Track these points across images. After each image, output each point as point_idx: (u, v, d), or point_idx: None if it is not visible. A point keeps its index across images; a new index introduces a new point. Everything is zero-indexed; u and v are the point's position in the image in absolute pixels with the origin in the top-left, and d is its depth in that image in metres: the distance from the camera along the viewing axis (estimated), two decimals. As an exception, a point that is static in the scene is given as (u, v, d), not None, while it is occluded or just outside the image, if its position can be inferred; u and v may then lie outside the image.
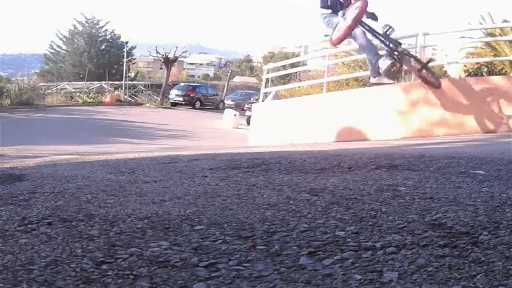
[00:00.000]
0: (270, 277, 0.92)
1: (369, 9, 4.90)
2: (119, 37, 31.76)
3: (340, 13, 4.96)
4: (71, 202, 1.56)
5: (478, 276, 0.86)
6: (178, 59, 27.01)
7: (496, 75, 10.66)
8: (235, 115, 15.66)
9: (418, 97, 5.96)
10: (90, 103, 19.97)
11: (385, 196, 1.57)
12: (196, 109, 23.24)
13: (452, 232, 1.14)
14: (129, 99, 22.76)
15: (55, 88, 22.12)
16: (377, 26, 5.16)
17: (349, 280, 0.89)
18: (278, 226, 1.26)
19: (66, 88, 22.60)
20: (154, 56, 26.33)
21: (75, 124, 12.18)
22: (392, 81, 5.13)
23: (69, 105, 18.87)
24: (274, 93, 11.30)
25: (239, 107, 21.63)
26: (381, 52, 5.05)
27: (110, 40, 33.31)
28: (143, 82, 28.24)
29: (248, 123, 10.93)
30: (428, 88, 5.92)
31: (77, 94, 21.58)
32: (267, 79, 9.36)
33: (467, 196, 1.51)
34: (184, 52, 26.44)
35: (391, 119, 6.02)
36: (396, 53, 5.08)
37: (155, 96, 24.72)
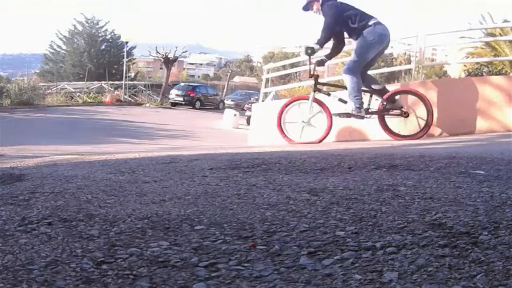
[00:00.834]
0: (270, 277, 0.92)
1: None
2: (119, 37, 31.79)
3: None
4: (71, 202, 1.56)
5: (478, 276, 0.86)
6: (178, 59, 27.04)
7: (496, 75, 10.66)
8: (235, 115, 15.67)
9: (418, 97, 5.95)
10: (90, 103, 19.98)
11: (385, 196, 1.57)
12: (196, 109, 23.26)
13: (452, 232, 1.14)
14: (129, 99, 22.77)
15: (55, 88, 22.13)
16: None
17: (349, 280, 0.89)
18: (278, 226, 1.26)
19: (66, 88, 22.61)
20: (154, 56, 26.34)
21: (75, 124, 12.18)
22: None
23: (69, 105, 18.89)
24: (274, 93, 11.30)
25: (239, 107, 21.65)
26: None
27: (110, 40, 33.34)
28: (143, 82, 28.27)
29: (248, 123, 10.94)
30: (428, 88, 5.92)
31: (77, 94, 21.59)
32: (267, 79, 9.36)
33: (467, 196, 1.51)
34: (184, 52, 26.46)
35: (391, 119, 6.01)
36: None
37: (155, 96, 24.74)
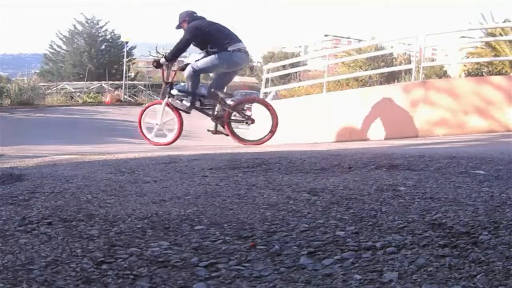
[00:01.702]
0: (270, 277, 0.92)
1: None
2: (119, 37, 31.77)
3: None
4: (71, 202, 1.56)
5: (478, 276, 0.86)
6: (178, 59, 26.99)
7: (496, 75, 10.66)
8: (235, 115, 15.64)
9: (418, 97, 5.97)
10: (90, 103, 19.98)
11: (385, 196, 1.57)
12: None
13: (452, 232, 1.14)
14: (129, 99, 22.77)
15: (55, 88, 22.13)
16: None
17: (349, 280, 0.89)
18: (278, 226, 1.26)
19: (66, 88, 22.61)
20: (154, 56, 26.31)
21: (75, 124, 12.18)
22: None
23: (69, 105, 18.89)
24: (274, 93, 11.30)
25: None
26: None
27: (110, 40, 33.33)
28: (143, 82, 28.26)
29: (248, 123, 10.91)
30: (427, 88, 5.93)
31: (77, 94, 21.60)
32: (267, 79, 9.37)
33: (467, 196, 1.51)
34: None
35: (391, 119, 6.02)
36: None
37: (155, 96, 24.75)
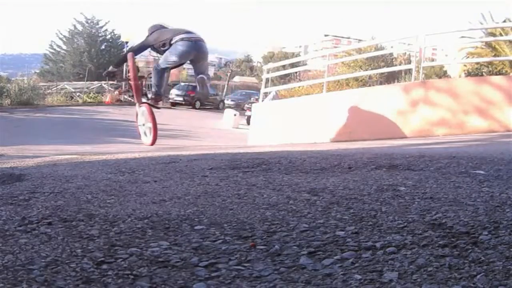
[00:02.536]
0: (270, 277, 0.92)
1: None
2: (119, 37, 31.75)
3: None
4: (71, 202, 1.56)
5: (478, 276, 0.86)
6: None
7: (496, 75, 10.66)
8: (235, 115, 15.66)
9: (418, 97, 5.97)
10: (90, 103, 19.97)
11: (385, 196, 1.57)
12: (196, 109, 23.25)
13: (452, 232, 1.14)
14: (129, 99, 22.72)
15: (55, 88, 22.12)
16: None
17: (349, 280, 0.89)
18: (278, 226, 1.26)
19: (66, 88, 22.60)
20: (154, 56, 26.27)
21: (75, 124, 12.17)
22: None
23: (69, 105, 18.87)
24: (274, 93, 11.30)
25: (239, 107, 21.63)
26: None
27: (110, 40, 33.30)
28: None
29: (248, 123, 10.93)
30: (427, 88, 5.93)
31: (77, 94, 21.58)
32: (267, 79, 9.36)
33: (467, 196, 1.51)
34: (184, 52, 26.37)
35: (391, 119, 6.02)
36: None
37: (155, 96, 24.65)
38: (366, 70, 20.64)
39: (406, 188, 1.69)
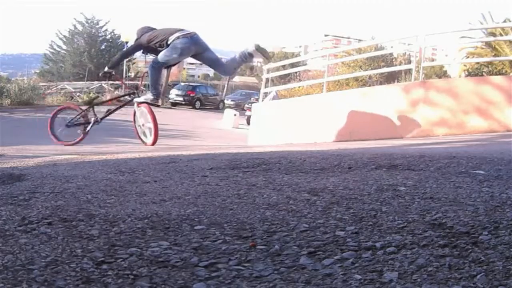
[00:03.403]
0: (270, 277, 0.92)
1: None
2: (119, 37, 31.76)
3: None
4: (71, 202, 1.56)
5: (478, 276, 0.86)
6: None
7: (496, 75, 10.66)
8: (235, 115, 15.67)
9: (418, 97, 5.97)
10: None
11: (385, 196, 1.57)
12: (196, 109, 23.26)
13: (452, 232, 1.14)
14: (129, 99, 22.75)
15: (55, 88, 22.12)
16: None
17: (349, 280, 0.89)
18: (278, 226, 1.26)
19: (66, 88, 22.60)
20: (154, 56, 26.27)
21: (75, 124, 12.15)
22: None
23: (69, 105, 18.84)
24: (274, 93, 11.30)
25: (239, 107, 21.64)
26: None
27: (110, 40, 33.32)
28: (143, 83, 28.19)
29: (248, 123, 10.93)
30: (427, 88, 5.93)
31: (77, 94, 21.58)
32: (267, 79, 9.36)
33: (467, 196, 1.51)
34: (183, 52, 26.40)
35: (391, 119, 6.02)
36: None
37: (155, 96, 24.69)
38: (366, 70, 20.65)
39: (406, 188, 1.69)
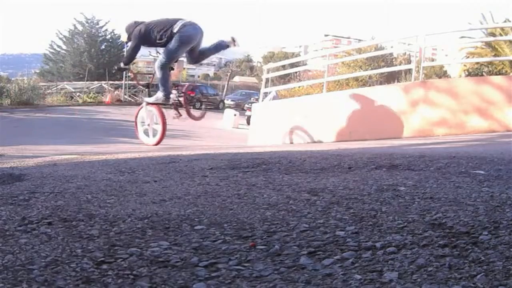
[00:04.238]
0: (270, 277, 0.92)
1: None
2: (119, 37, 31.68)
3: None
4: (71, 202, 1.56)
5: (478, 276, 0.86)
6: (179, 59, 27.04)
7: (496, 75, 10.66)
8: (235, 115, 15.67)
9: (418, 97, 5.97)
10: (90, 103, 19.96)
11: (385, 196, 1.57)
12: (196, 109, 23.26)
13: (452, 232, 1.14)
14: (129, 99, 22.75)
15: (55, 88, 22.12)
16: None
17: (349, 280, 0.89)
18: (278, 226, 1.26)
19: (66, 88, 22.59)
20: (154, 56, 26.26)
21: (75, 124, 12.17)
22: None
23: (69, 105, 18.87)
24: (274, 93, 11.30)
25: (239, 107, 21.64)
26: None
27: (110, 40, 33.31)
28: (142, 82, 28.24)
29: (248, 123, 10.94)
30: (427, 88, 5.93)
31: (77, 94, 21.57)
32: (267, 79, 9.36)
33: (467, 196, 1.51)
34: (183, 52, 26.42)
35: (391, 119, 6.02)
36: None
37: (155, 96, 24.66)
38: (366, 70, 20.65)
39: (406, 188, 1.69)
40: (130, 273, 0.93)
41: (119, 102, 21.03)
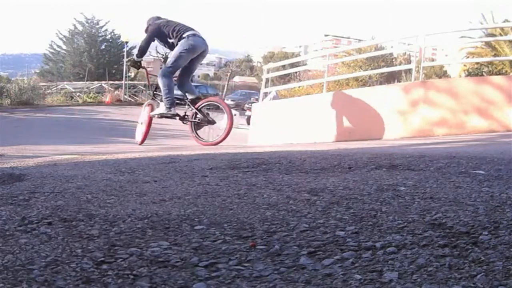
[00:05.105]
0: (270, 277, 0.92)
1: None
2: (119, 37, 31.75)
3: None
4: (71, 202, 1.56)
5: (478, 276, 0.86)
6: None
7: (496, 75, 10.66)
8: (235, 115, 15.67)
9: (418, 97, 5.97)
10: (90, 103, 19.98)
11: (385, 196, 1.57)
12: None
13: (452, 232, 1.14)
14: (129, 99, 22.76)
15: (55, 88, 22.12)
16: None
17: (349, 280, 0.89)
18: (278, 226, 1.26)
19: (66, 88, 22.60)
20: (154, 56, 26.31)
21: (75, 124, 12.18)
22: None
23: (69, 105, 18.88)
24: (274, 93, 11.30)
25: (239, 107, 21.65)
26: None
27: (110, 40, 33.33)
28: (143, 82, 28.24)
29: (248, 123, 10.94)
30: (427, 88, 5.93)
31: (77, 94, 21.59)
32: (267, 79, 9.36)
33: (467, 196, 1.51)
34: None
35: (391, 119, 6.02)
36: None
37: (155, 96, 24.68)
38: (366, 70, 20.64)
39: (406, 188, 1.69)
40: (130, 273, 0.93)
41: (119, 102, 21.04)
